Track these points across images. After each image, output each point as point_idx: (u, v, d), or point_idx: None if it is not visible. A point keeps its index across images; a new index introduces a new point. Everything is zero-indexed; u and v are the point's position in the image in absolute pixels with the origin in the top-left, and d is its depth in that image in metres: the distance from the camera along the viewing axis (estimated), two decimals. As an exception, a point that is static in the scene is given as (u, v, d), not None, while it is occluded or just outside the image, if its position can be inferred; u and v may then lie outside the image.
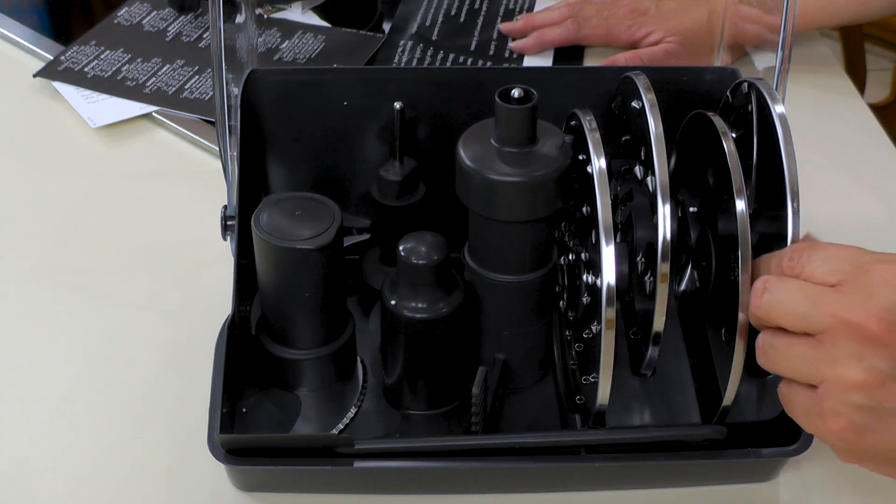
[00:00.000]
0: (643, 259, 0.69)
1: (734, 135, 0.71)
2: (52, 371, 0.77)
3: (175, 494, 0.69)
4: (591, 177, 0.65)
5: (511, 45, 1.13)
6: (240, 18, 0.80)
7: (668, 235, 0.65)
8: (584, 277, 0.68)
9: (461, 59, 1.10)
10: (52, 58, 1.08)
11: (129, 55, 1.09)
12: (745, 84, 0.71)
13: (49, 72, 1.06)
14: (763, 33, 1.06)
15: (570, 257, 0.72)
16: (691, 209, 0.72)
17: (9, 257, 0.87)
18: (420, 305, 0.68)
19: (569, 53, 1.13)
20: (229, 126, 0.73)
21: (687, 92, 0.78)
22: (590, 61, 1.12)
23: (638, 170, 0.70)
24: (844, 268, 0.58)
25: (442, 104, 0.78)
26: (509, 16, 1.17)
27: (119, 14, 1.15)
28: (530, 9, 1.20)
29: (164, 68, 1.07)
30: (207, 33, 1.12)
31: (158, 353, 0.78)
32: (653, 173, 0.66)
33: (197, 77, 1.06)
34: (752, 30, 1.06)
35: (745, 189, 0.67)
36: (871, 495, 0.70)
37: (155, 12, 1.16)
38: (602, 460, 0.66)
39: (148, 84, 1.05)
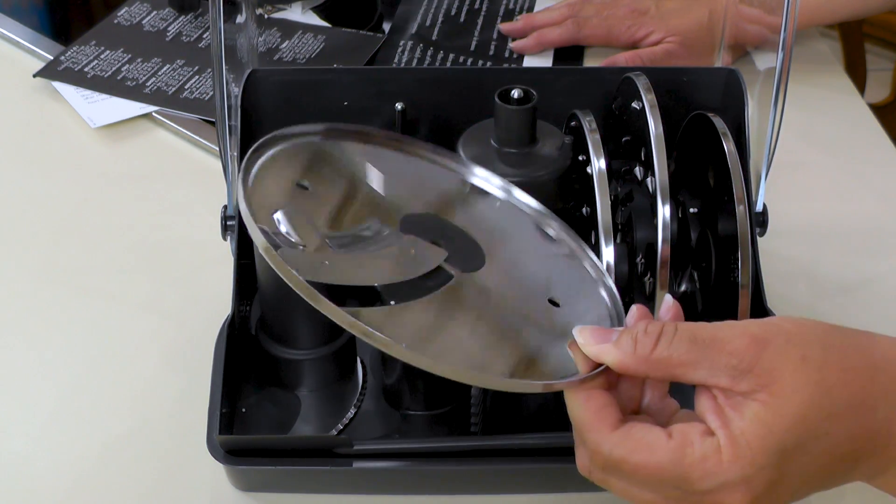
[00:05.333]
0: (643, 260, 0.69)
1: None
2: (51, 371, 0.77)
3: (174, 494, 0.69)
4: (590, 177, 0.65)
5: (511, 45, 1.13)
6: (240, 18, 0.80)
7: (668, 236, 0.65)
8: (584, 278, 0.68)
9: (461, 59, 1.10)
10: (52, 58, 1.08)
11: (129, 55, 1.09)
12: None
13: (49, 72, 1.06)
14: (764, 33, 1.06)
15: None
16: (691, 210, 0.72)
17: (9, 257, 0.87)
18: (420, 306, 0.68)
19: (569, 53, 1.13)
20: (229, 126, 0.73)
21: (687, 92, 0.78)
22: (590, 61, 1.12)
23: (638, 170, 0.70)
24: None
25: (442, 104, 0.78)
26: (509, 16, 1.17)
27: (119, 14, 1.15)
28: (530, 9, 1.19)
29: (164, 68, 1.07)
30: (207, 33, 1.12)
31: (158, 353, 0.78)
32: (653, 174, 0.66)
33: (197, 77, 1.06)
34: (752, 30, 1.06)
35: (745, 190, 0.67)
36: (872, 497, 0.70)
37: (155, 12, 1.16)
38: (602, 461, 0.66)
39: (148, 84, 1.05)
